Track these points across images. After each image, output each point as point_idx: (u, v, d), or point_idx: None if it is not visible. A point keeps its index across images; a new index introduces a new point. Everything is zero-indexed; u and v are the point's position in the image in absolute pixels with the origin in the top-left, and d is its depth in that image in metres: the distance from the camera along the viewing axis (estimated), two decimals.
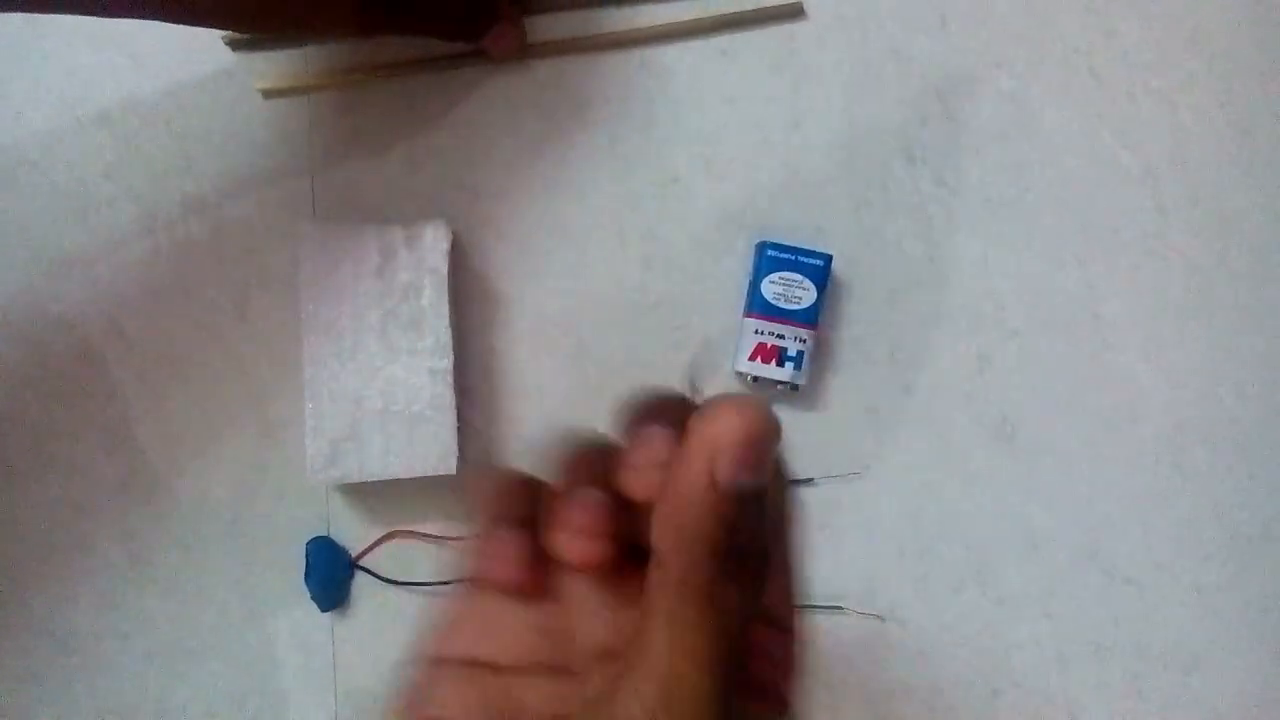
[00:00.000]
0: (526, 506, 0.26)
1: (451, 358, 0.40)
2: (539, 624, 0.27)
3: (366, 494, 0.43)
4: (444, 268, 0.40)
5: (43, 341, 0.42)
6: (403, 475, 0.40)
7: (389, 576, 0.43)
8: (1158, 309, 0.47)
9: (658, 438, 0.22)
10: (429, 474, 0.40)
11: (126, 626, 0.43)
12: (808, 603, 0.45)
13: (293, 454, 0.43)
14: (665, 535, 0.22)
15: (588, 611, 0.26)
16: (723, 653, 0.21)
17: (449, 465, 0.40)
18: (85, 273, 0.42)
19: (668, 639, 0.21)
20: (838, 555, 0.46)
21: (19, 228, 0.42)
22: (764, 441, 0.21)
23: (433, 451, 0.40)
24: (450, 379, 0.40)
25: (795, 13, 0.45)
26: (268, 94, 0.42)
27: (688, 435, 0.21)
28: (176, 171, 0.42)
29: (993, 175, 0.46)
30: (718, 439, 0.21)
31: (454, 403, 0.40)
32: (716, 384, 0.45)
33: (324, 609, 0.43)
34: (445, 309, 0.40)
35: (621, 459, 0.23)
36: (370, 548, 0.43)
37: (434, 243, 0.40)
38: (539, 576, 0.26)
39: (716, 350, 0.44)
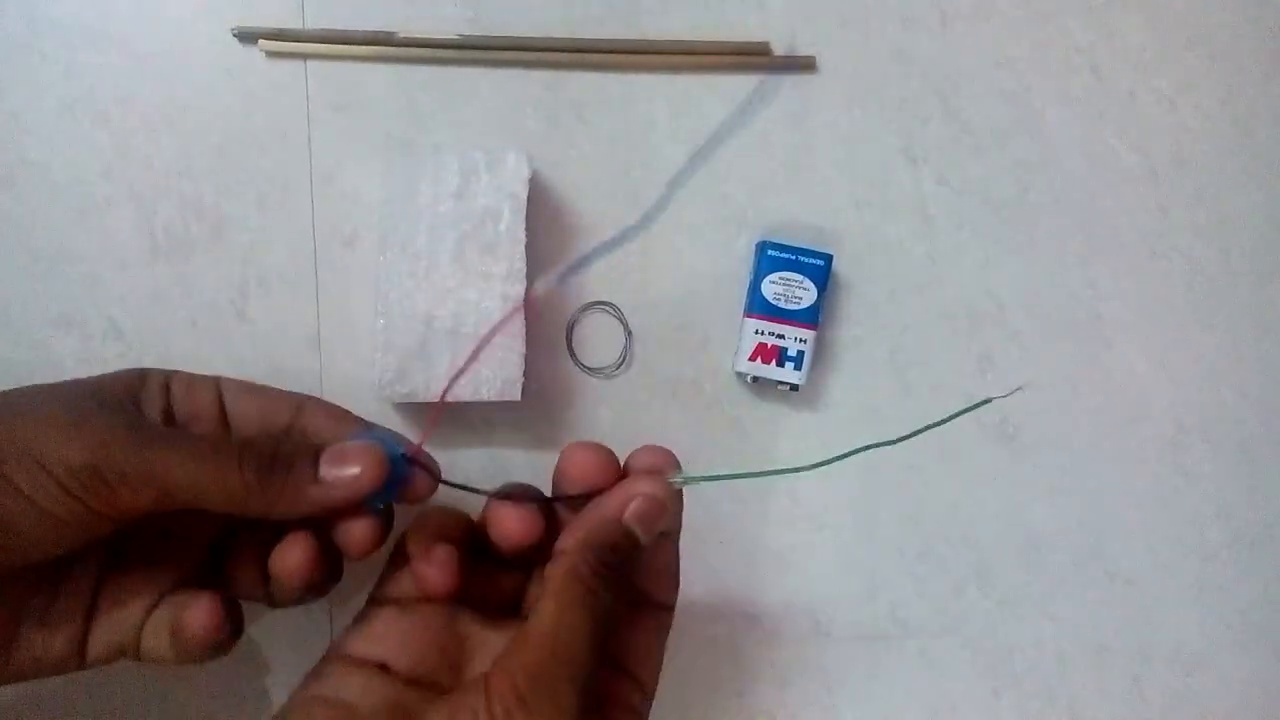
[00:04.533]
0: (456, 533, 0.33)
1: (525, 285, 0.40)
2: (439, 642, 0.32)
3: None
4: (524, 194, 0.40)
5: (41, 342, 0.42)
6: (468, 399, 0.40)
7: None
8: (1159, 309, 0.47)
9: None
10: (493, 399, 0.40)
11: None
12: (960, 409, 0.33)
13: None
14: (572, 535, 0.30)
15: (477, 640, 0.32)
16: (596, 635, 0.27)
17: (514, 392, 0.40)
18: (84, 273, 0.42)
19: (555, 609, 0.27)
20: (838, 555, 0.46)
21: (17, 228, 0.42)
22: (666, 515, 0.31)
23: (499, 376, 0.40)
24: (522, 306, 0.40)
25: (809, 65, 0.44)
26: (271, 54, 0.43)
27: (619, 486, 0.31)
28: (176, 171, 0.42)
29: (994, 175, 0.46)
30: (638, 492, 0.31)
31: (524, 330, 0.40)
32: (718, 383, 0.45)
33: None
34: (522, 235, 0.40)
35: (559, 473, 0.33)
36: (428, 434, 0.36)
37: (515, 168, 0.40)
38: (460, 585, 0.31)
39: None
